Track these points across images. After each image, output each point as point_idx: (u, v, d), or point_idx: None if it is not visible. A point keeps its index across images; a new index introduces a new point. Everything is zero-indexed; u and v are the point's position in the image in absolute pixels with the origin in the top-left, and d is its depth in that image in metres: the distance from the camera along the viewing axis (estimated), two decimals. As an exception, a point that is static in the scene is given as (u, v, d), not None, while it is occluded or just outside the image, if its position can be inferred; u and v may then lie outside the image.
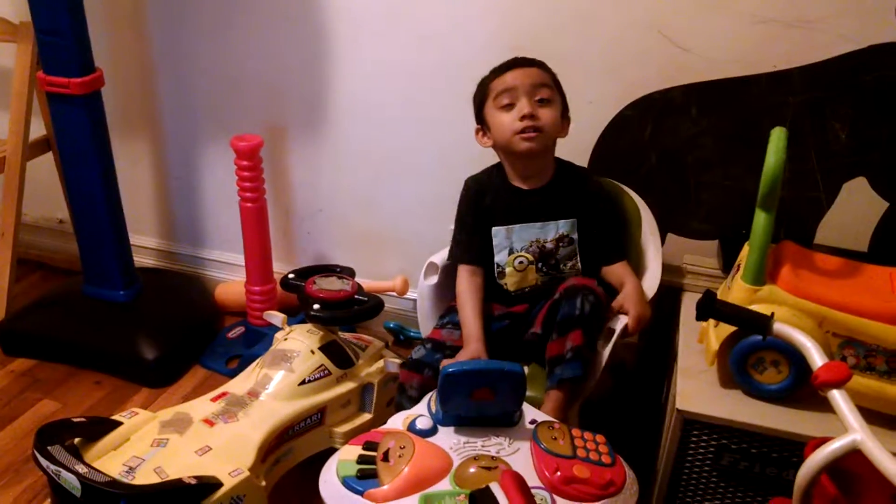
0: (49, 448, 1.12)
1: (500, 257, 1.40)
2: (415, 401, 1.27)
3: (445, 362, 1.29)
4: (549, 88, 1.34)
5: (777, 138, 1.15)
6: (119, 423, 1.25)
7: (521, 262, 1.38)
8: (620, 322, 1.31)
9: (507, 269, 1.39)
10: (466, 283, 1.40)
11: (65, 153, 1.74)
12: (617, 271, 1.38)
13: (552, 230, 1.37)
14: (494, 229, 1.39)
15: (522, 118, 1.32)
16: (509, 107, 1.33)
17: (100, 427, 1.24)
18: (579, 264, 1.39)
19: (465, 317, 1.37)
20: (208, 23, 1.80)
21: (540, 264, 1.38)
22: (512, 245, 1.39)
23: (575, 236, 1.38)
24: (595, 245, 1.39)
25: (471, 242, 1.42)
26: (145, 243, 2.12)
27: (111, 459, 1.19)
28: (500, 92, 1.34)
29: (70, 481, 1.07)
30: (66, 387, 1.75)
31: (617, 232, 1.43)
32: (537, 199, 1.38)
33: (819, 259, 1.27)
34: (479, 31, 1.60)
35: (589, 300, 1.26)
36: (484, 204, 1.41)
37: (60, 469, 1.08)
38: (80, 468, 1.09)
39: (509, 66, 1.36)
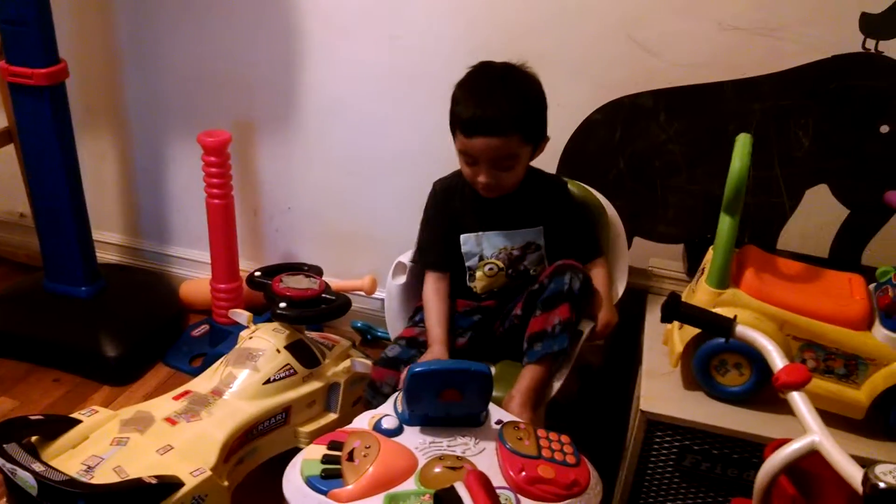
0: (5, 446, 1.10)
1: (470, 263, 1.40)
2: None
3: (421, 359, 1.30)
4: (512, 156, 1.29)
5: (742, 144, 1.17)
6: (78, 422, 1.23)
7: (491, 269, 1.38)
8: (588, 325, 1.33)
9: (478, 274, 1.39)
10: (432, 289, 1.40)
11: (27, 146, 1.71)
12: (591, 271, 1.38)
13: (518, 238, 1.37)
14: (463, 237, 1.38)
15: (480, 182, 1.30)
16: (471, 163, 1.30)
17: (58, 425, 1.22)
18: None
19: (429, 322, 1.38)
20: (177, 15, 1.77)
21: (510, 270, 1.38)
22: (482, 252, 1.38)
23: (542, 243, 1.38)
24: (569, 247, 1.39)
25: (438, 247, 1.41)
26: (109, 239, 2.09)
27: (69, 458, 1.17)
28: (463, 151, 1.30)
29: (26, 480, 1.05)
30: (24, 384, 1.72)
31: (589, 231, 1.43)
32: (504, 207, 1.37)
33: (781, 264, 1.29)
34: (449, 30, 1.60)
35: (578, 277, 1.28)
36: (452, 209, 1.40)
37: (16, 468, 1.06)
38: (37, 467, 1.07)
39: (473, 130, 1.26)
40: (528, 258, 1.38)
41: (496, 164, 1.28)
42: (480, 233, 1.38)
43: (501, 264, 1.38)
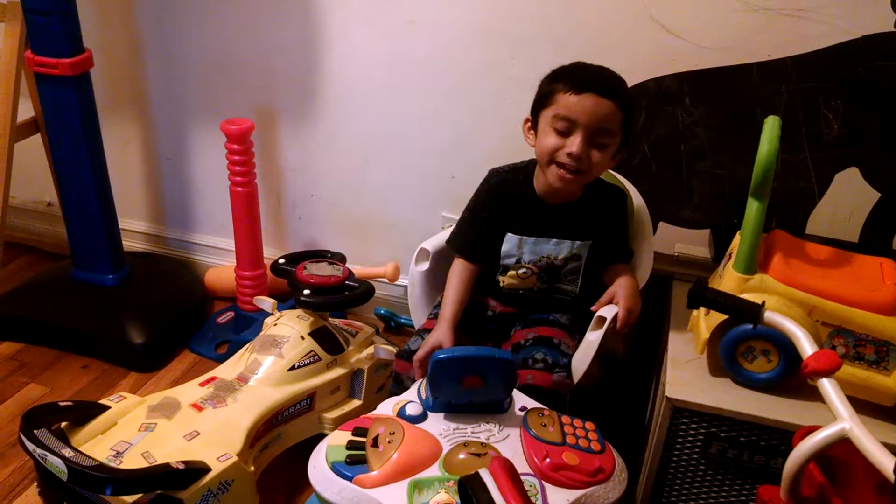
0: (35, 432, 1.11)
1: (506, 262, 1.36)
2: None
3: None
4: (611, 133, 1.22)
5: (771, 127, 1.15)
6: (106, 408, 1.25)
7: (525, 273, 1.35)
8: (611, 311, 1.30)
9: (510, 273, 1.37)
10: (458, 273, 1.37)
11: (53, 135, 1.72)
12: (617, 269, 1.35)
13: (566, 249, 1.33)
14: (508, 235, 1.34)
15: (569, 155, 1.21)
16: (563, 134, 1.21)
17: (87, 411, 1.24)
18: (580, 280, 1.37)
19: (445, 300, 1.35)
20: (198, 4, 1.78)
21: (543, 275, 1.36)
22: (521, 256, 1.34)
23: (584, 255, 1.34)
24: (604, 254, 1.36)
25: (475, 239, 1.36)
26: (134, 227, 2.11)
27: (98, 444, 1.19)
28: (561, 115, 1.20)
29: (56, 465, 1.06)
30: (53, 371, 1.74)
31: (624, 235, 1.39)
32: (559, 217, 1.32)
33: (810, 249, 1.27)
34: (467, 16, 1.59)
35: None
36: (504, 206, 1.33)
37: (47, 453, 1.07)
38: (67, 452, 1.08)
39: (584, 87, 1.19)
40: (566, 267, 1.35)
41: (596, 133, 1.20)
42: (524, 237, 1.33)
43: (537, 270, 1.35)
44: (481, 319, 1.41)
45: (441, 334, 1.30)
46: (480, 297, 1.42)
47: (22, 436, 1.11)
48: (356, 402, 1.45)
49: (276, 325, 1.44)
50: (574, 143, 1.20)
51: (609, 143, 1.23)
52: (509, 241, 1.34)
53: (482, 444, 1.09)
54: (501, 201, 1.34)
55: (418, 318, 1.47)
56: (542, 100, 1.25)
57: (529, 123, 1.30)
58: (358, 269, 1.59)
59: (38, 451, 1.08)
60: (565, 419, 1.14)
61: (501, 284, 1.39)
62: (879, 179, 1.47)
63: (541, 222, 1.33)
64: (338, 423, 1.38)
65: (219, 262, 2.05)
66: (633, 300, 1.30)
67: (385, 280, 1.81)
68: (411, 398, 1.19)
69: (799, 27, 1.40)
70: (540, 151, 1.26)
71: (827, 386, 0.90)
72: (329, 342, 1.43)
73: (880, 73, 1.40)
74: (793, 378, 1.16)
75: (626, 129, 1.25)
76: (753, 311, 1.03)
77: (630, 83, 1.52)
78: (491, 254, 1.37)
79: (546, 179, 1.28)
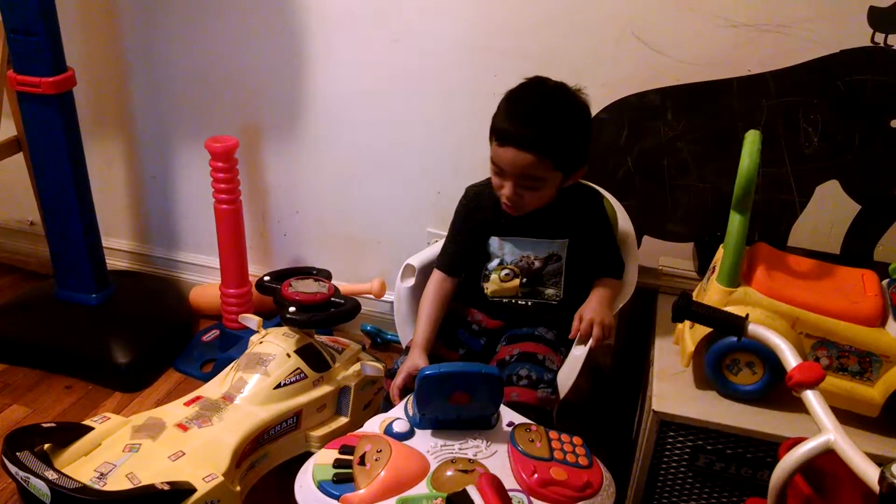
0: (18, 454, 1.10)
1: (489, 264, 1.39)
2: None
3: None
4: (537, 179, 1.25)
5: (751, 141, 1.16)
6: (90, 429, 1.23)
7: (507, 274, 1.38)
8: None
9: (492, 276, 1.39)
10: (434, 288, 1.40)
11: (36, 154, 1.71)
12: (600, 283, 1.37)
13: (544, 248, 1.36)
14: (492, 238, 1.38)
15: (505, 196, 1.28)
16: (499, 174, 1.28)
17: (70, 432, 1.22)
18: (562, 283, 1.38)
19: (419, 321, 1.37)
20: (182, 22, 1.78)
21: (524, 279, 1.38)
22: (503, 257, 1.38)
23: (564, 255, 1.36)
24: (591, 263, 1.38)
25: (454, 251, 1.41)
26: (118, 245, 2.10)
27: (82, 465, 1.17)
28: (492, 159, 1.28)
29: (39, 488, 1.05)
30: (36, 392, 1.72)
31: (614, 251, 1.41)
32: (535, 218, 1.34)
33: (792, 261, 1.28)
34: (451, 34, 1.60)
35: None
36: (479, 218, 1.38)
37: (30, 475, 1.06)
38: (50, 474, 1.07)
39: (505, 140, 1.24)
40: (547, 268, 1.37)
41: (521, 180, 1.26)
42: (505, 237, 1.37)
43: (518, 271, 1.37)
44: (468, 336, 1.41)
45: (416, 360, 1.31)
46: (466, 312, 1.43)
47: (4, 458, 1.10)
48: (343, 420, 1.44)
49: (261, 342, 1.44)
50: (505, 186, 1.28)
51: (538, 184, 1.27)
52: (493, 244, 1.38)
53: (470, 460, 1.09)
54: (479, 212, 1.38)
55: (405, 335, 1.47)
56: (490, 131, 1.29)
57: None
58: (344, 286, 1.59)
59: (21, 473, 1.07)
60: (553, 434, 1.14)
61: (486, 292, 1.40)
62: (859, 191, 1.49)
63: (518, 224, 1.36)
64: (324, 441, 1.37)
65: (204, 280, 2.04)
66: (597, 311, 1.31)
67: (371, 296, 1.81)
68: (398, 415, 1.18)
69: (778, 42, 1.42)
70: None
71: (811, 397, 0.91)
72: (315, 359, 1.43)
73: (858, 87, 1.42)
74: (778, 390, 1.17)
75: (565, 162, 1.26)
76: (738, 324, 1.04)
77: (613, 98, 1.55)
78: (475, 264, 1.40)
79: None
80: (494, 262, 1.38)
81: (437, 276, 1.41)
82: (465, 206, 1.41)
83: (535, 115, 1.25)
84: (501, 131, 1.25)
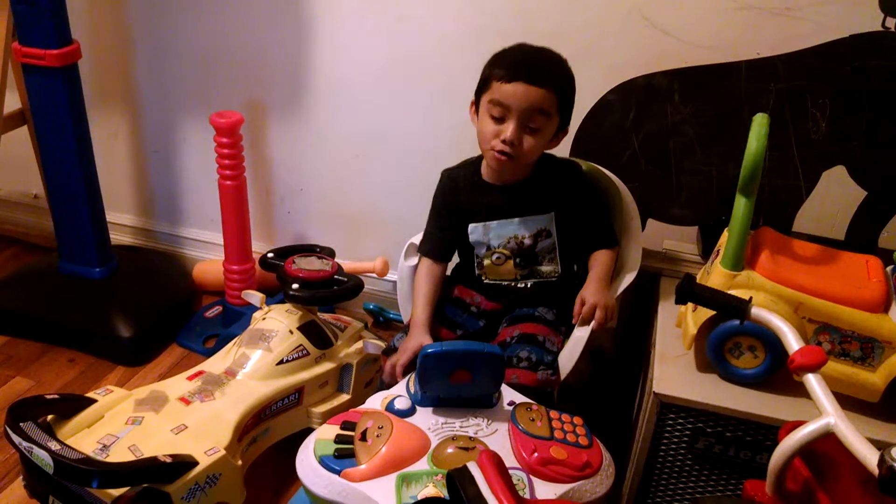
0: (21, 425, 1.11)
1: (478, 252, 1.39)
2: None
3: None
4: (544, 116, 1.25)
5: (759, 124, 1.15)
6: (93, 401, 1.24)
7: (498, 258, 1.37)
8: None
9: (486, 263, 1.39)
10: (424, 273, 1.40)
11: (40, 127, 1.71)
12: (596, 257, 1.38)
13: (531, 226, 1.35)
14: (471, 226, 1.37)
15: (503, 140, 1.26)
16: (498, 120, 1.26)
17: (73, 404, 1.23)
18: (558, 258, 1.38)
19: (414, 302, 1.38)
20: (188, -3, 1.77)
21: (518, 259, 1.37)
22: (489, 242, 1.37)
23: (553, 230, 1.36)
24: (581, 235, 1.38)
25: (438, 237, 1.42)
26: (122, 220, 2.09)
27: (85, 437, 1.18)
28: (495, 101, 1.25)
29: (42, 458, 1.05)
30: (39, 364, 1.73)
31: (604, 218, 1.41)
32: (513, 195, 1.35)
33: (797, 246, 1.28)
34: (456, 12, 1.59)
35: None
36: (458, 202, 1.39)
37: (33, 446, 1.07)
38: (53, 445, 1.08)
39: (515, 75, 1.23)
40: (538, 245, 1.37)
41: (527, 119, 1.24)
42: (487, 223, 1.36)
43: (509, 253, 1.37)
44: (466, 317, 1.42)
45: (419, 338, 1.31)
46: (464, 293, 1.43)
47: (7, 429, 1.11)
48: (345, 397, 1.45)
49: (264, 319, 1.44)
50: (508, 128, 1.25)
51: (541, 125, 1.26)
52: (475, 232, 1.37)
53: (470, 438, 1.09)
54: (455, 196, 1.39)
55: (407, 313, 1.47)
56: (482, 84, 1.29)
57: (475, 107, 1.34)
58: (347, 264, 1.59)
59: (24, 444, 1.08)
60: (553, 414, 1.14)
61: (484, 280, 1.40)
62: (866, 178, 1.48)
63: (498, 205, 1.36)
64: (326, 417, 1.38)
65: (207, 256, 2.04)
66: (598, 296, 1.31)
67: (374, 275, 1.81)
68: (400, 392, 1.19)
69: (788, 26, 1.41)
70: (479, 135, 1.31)
71: (813, 381, 0.91)
72: (318, 336, 1.43)
73: (868, 72, 1.41)
74: (779, 374, 1.17)
75: (563, 110, 1.29)
76: (741, 308, 1.04)
77: (620, 80, 1.53)
78: (464, 250, 1.40)
79: (489, 162, 1.33)
80: (482, 250, 1.38)
81: (425, 261, 1.42)
82: (442, 192, 1.41)
83: (540, 56, 1.28)
84: (509, 67, 1.25)
